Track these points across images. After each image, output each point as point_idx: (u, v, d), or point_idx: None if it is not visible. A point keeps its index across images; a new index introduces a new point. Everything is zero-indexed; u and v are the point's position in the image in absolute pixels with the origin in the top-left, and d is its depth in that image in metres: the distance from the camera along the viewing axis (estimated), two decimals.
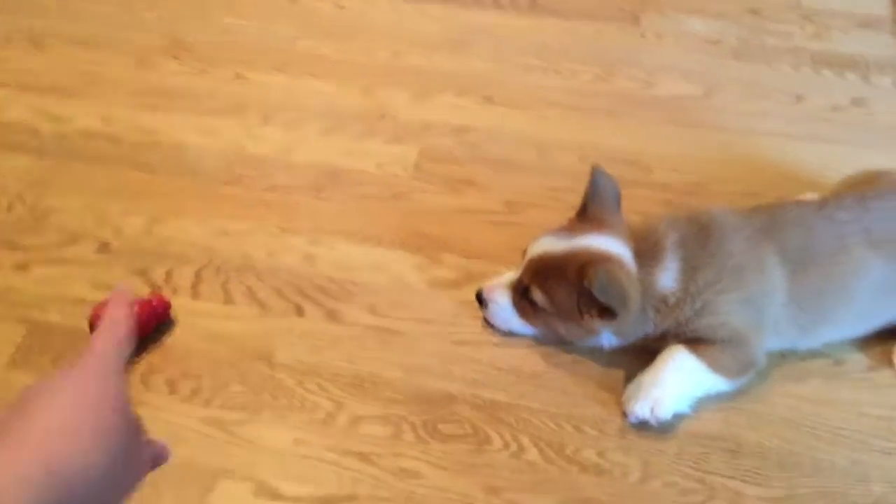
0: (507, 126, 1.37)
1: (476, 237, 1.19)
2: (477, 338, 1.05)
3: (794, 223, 0.99)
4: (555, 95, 1.44)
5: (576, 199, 1.24)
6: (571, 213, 1.21)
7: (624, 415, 0.96)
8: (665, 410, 0.93)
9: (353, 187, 1.27)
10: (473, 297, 1.08)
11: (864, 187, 1.04)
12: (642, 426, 0.95)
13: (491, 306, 1.04)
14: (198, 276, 1.13)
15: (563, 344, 1.03)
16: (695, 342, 0.97)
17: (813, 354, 1.04)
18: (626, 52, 1.53)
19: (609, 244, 0.96)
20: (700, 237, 0.97)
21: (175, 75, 1.46)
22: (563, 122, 1.39)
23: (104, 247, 1.17)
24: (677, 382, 0.95)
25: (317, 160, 1.31)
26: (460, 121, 1.38)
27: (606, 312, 0.92)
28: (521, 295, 1.01)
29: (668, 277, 0.95)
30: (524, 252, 1.02)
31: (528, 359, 1.03)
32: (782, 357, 1.03)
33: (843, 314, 0.99)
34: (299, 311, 1.08)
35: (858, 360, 1.04)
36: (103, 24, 1.57)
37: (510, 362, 1.03)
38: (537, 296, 0.98)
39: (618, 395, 0.98)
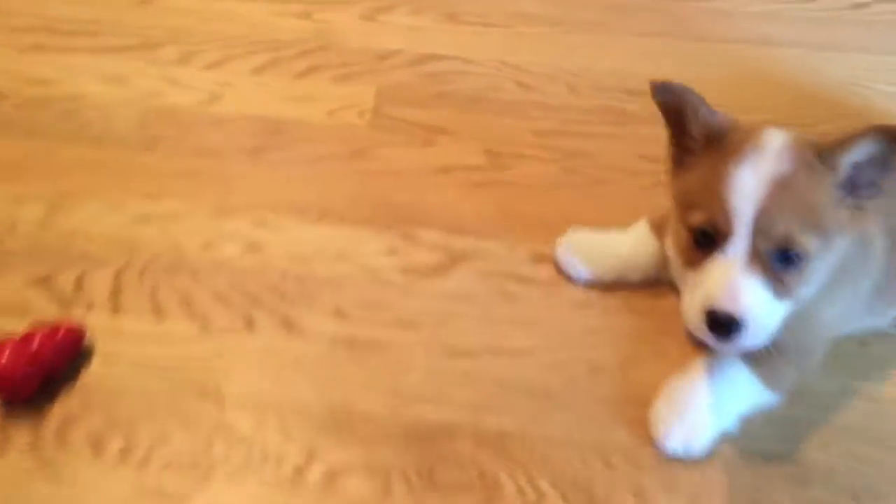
0: (477, 51, 1.14)
1: (456, 203, 0.98)
2: (473, 344, 0.86)
3: None
4: (530, 6, 1.20)
5: (569, 144, 1.04)
6: (566, 163, 1.02)
7: None
8: (702, 443, 0.77)
9: (300, 145, 1.04)
10: (467, 287, 0.89)
11: None
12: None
13: (750, 326, 0.68)
14: (117, 281, 0.91)
15: None
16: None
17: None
18: None
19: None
20: None
21: (66, 2, 1.18)
22: (543, 42, 1.16)
23: None
24: (718, 402, 0.77)
25: (252, 111, 1.07)
26: (420, 47, 1.14)
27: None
28: (776, 261, 0.68)
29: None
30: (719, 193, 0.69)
31: (538, 370, 0.85)
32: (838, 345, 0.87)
33: None
34: (249, 324, 0.87)
35: None
36: None
37: (517, 376, 0.84)
38: (810, 243, 0.67)
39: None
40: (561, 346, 0.86)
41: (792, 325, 0.72)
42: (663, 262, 0.86)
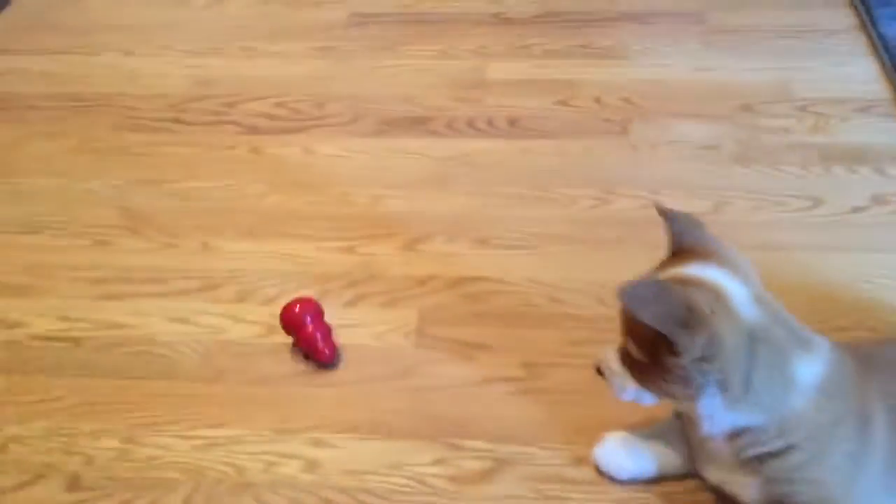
0: (509, 270, 1.25)
1: (499, 413, 1.05)
2: None
3: (893, 364, 0.86)
4: (555, 227, 1.32)
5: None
6: None
7: None
8: None
9: (352, 367, 1.12)
10: (512, 491, 0.95)
11: None
12: None
13: (607, 376, 0.89)
14: None
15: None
16: None
17: None
18: (622, 169, 1.43)
19: (704, 272, 0.81)
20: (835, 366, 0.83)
21: (136, 253, 1.33)
22: (570, 259, 1.27)
23: (74, 483, 1.00)
24: None
25: None
26: (456, 272, 1.25)
27: (669, 343, 0.77)
28: (625, 355, 0.86)
29: (808, 371, 0.81)
30: None
31: None
32: None
33: None
34: None
35: None
36: (46, 202, 1.43)
37: None
38: (631, 348, 0.84)
39: None
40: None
41: (799, 483, 0.81)
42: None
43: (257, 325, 1.19)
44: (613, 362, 0.88)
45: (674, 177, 1.40)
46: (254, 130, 1.59)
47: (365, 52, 1.80)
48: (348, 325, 1.18)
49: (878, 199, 1.32)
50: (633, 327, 0.83)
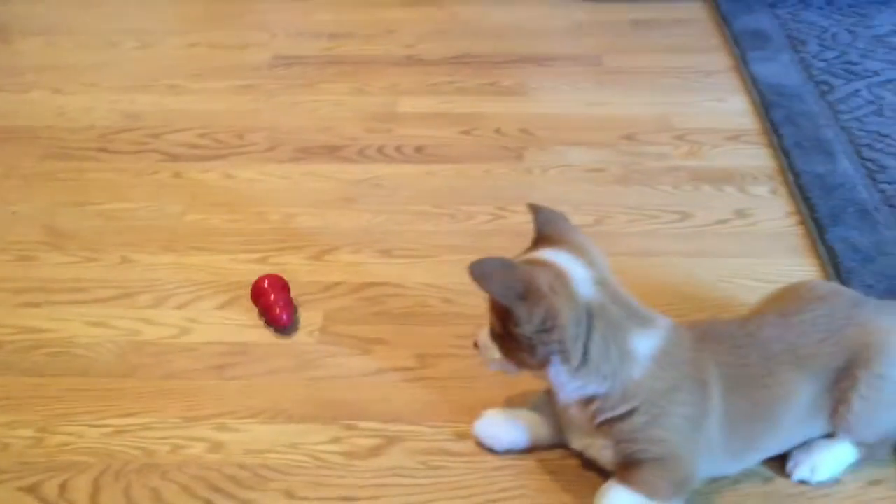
0: (408, 277, 1.36)
1: (391, 398, 1.15)
2: None
3: (726, 340, 0.98)
4: (453, 240, 1.44)
5: None
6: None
7: None
8: None
9: (257, 362, 1.21)
10: (399, 463, 1.05)
11: (785, 302, 1.05)
12: None
13: (480, 348, 1.01)
14: (96, 484, 1.04)
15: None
16: (623, 469, 0.95)
17: (744, 475, 1.02)
18: (516, 190, 1.56)
19: (553, 256, 0.94)
20: (672, 341, 0.95)
21: (57, 267, 1.40)
22: (463, 266, 1.37)
23: None
24: None
25: (215, 339, 1.25)
26: (360, 278, 1.36)
27: (509, 315, 0.90)
28: (492, 330, 0.98)
29: (644, 344, 0.93)
30: None
31: None
32: (714, 482, 1.01)
33: (771, 441, 0.99)
34: None
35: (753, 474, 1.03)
36: None
37: None
38: (493, 322, 0.95)
39: None
40: (482, 502, 0.99)
41: (643, 442, 0.91)
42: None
43: (171, 327, 1.28)
44: (484, 337, 1.00)
45: (562, 195, 1.54)
46: (176, 158, 1.69)
47: (286, 90, 1.93)
48: (257, 326, 1.27)
49: (740, 213, 1.48)
50: (493, 303, 0.95)
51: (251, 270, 1.38)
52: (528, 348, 0.92)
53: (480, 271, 0.89)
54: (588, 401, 0.95)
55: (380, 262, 1.40)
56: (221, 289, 1.35)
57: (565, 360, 0.92)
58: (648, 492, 0.92)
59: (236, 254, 1.42)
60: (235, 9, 2.32)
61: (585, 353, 0.92)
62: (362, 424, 1.11)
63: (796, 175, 1.51)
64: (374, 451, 1.08)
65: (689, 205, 1.50)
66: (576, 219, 1.45)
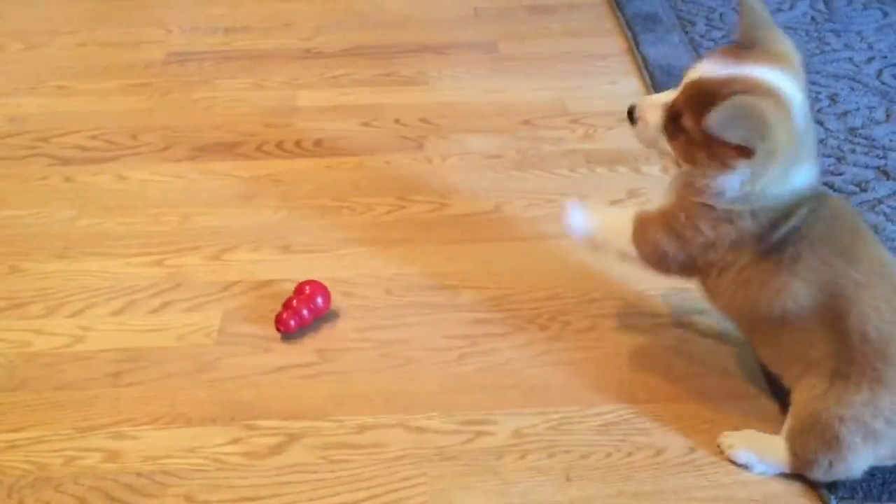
0: (308, 272, 1.35)
1: (293, 395, 1.15)
2: None
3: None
4: (352, 233, 1.44)
5: (386, 336, 1.24)
6: (383, 350, 1.20)
7: None
8: None
9: (154, 367, 1.19)
10: (301, 459, 1.05)
11: None
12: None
13: (639, 125, 1.00)
14: None
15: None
16: None
17: (637, 447, 1.06)
18: (416, 180, 1.57)
19: (773, 78, 0.92)
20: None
21: None
22: (364, 259, 1.38)
23: None
24: None
25: (110, 346, 1.23)
26: (259, 276, 1.35)
27: (743, 149, 0.90)
28: (672, 118, 0.97)
29: (806, 176, 0.96)
30: (685, 73, 0.98)
31: None
32: (607, 456, 1.04)
33: None
34: None
35: (678, 443, 1.06)
36: None
37: None
38: (688, 122, 0.94)
39: None
40: (382, 493, 1.00)
41: None
42: None
43: (63, 336, 1.24)
44: (655, 116, 0.99)
45: (462, 183, 1.55)
46: (66, 161, 1.64)
47: (181, 87, 1.89)
48: (152, 330, 1.25)
49: (633, 193, 1.51)
50: (703, 113, 0.91)
51: (147, 274, 1.35)
52: (721, 163, 0.93)
53: (722, 120, 0.89)
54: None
55: (279, 259, 1.39)
56: (116, 294, 1.32)
57: (756, 178, 0.93)
58: None
59: (131, 257, 1.39)
60: (126, 5, 2.25)
61: (782, 175, 0.93)
62: (263, 423, 1.11)
63: None
64: (276, 450, 1.07)
65: (585, 187, 1.53)
66: (476, 205, 1.49)
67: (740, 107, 0.89)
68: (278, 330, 1.21)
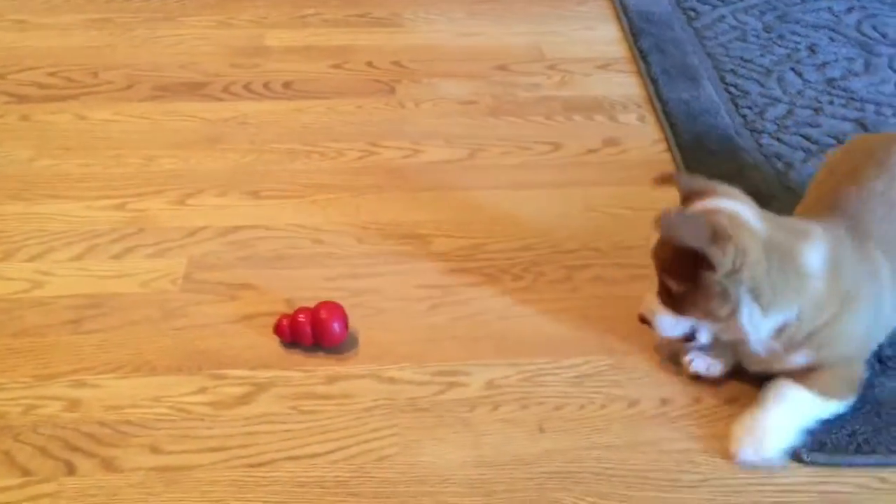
0: (277, 219, 1.31)
1: (260, 344, 1.12)
2: (274, 455, 0.98)
3: (868, 213, 1.02)
4: (323, 178, 1.40)
5: (358, 285, 1.21)
6: (355, 299, 1.18)
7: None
8: (770, 450, 0.95)
9: (116, 313, 1.15)
10: (270, 409, 1.03)
11: (863, 161, 1.09)
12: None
13: (654, 322, 1.01)
14: None
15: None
16: (802, 373, 0.98)
17: (611, 399, 1.05)
18: (388, 125, 1.53)
19: (718, 203, 0.94)
20: (833, 242, 0.98)
21: None
22: (334, 205, 1.35)
23: None
24: (784, 418, 0.97)
25: (70, 291, 1.18)
26: (226, 222, 1.31)
27: (696, 266, 0.91)
28: (665, 294, 0.98)
29: (815, 257, 0.95)
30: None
31: (331, 467, 0.96)
32: (581, 408, 1.04)
33: None
34: (70, 469, 0.96)
35: (652, 395, 1.06)
36: None
37: (314, 475, 0.95)
38: (670, 283, 0.96)
39: None
40: (352, 444, 0.98)
41: (825, 344, 0.96)
42: None
43: (21, 281, 1.20)
44: (654, 304, 1.00)
45: (435, 129, 1.51)
46: (24, 100, 1.57)
47: (144, 24, 1.82)
48: (114, 276, 1.21)
49: (609, 142, 1.49)
50: (669, 264, 0.95)
51: (108, 218, 1.31)
52: (720, 294, 0.93)
53: (668, 224, 0.91)
54: (780, 331, 0.96)
55: (247, 205, 1.35)
56: (76, 238, 1.27)
57: (756, 297, 0.93)
58: (826, 391, 0.97)
59: (91, 200, 1.34)
60: None
61: (773, 284, 0.93)
62: (230, 373, 1.08)
63: (663, 102, 1.53)
64: (243, 399, 1.05)
65: (560, 135, 1.50)
66: (450, 152, 1.45)
67: (687, 213, 0.95)
68: (275, 332, 1.11)
